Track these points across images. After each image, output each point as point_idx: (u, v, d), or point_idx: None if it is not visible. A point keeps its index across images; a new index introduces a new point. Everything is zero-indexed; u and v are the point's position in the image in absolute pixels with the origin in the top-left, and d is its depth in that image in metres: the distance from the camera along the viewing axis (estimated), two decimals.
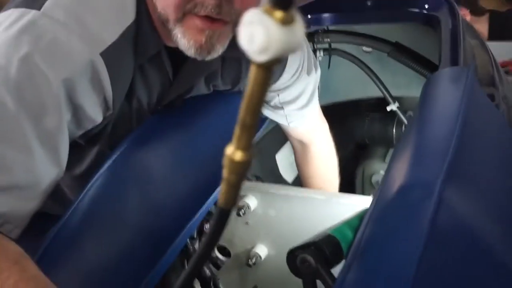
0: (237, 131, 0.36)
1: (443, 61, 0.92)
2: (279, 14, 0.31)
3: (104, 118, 0.83)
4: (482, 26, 2.10)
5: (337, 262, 0.71)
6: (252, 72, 0.33)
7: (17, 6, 0.75)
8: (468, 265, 0.61)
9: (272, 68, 0.33)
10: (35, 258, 0.68)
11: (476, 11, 2.13)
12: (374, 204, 0.77)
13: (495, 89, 0.95)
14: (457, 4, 2.13)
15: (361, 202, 0.92)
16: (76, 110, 0.77)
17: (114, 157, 0.86)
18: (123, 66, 0.81)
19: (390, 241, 0.66)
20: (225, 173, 0.38)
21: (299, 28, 0.31)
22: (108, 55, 0.76)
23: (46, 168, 0.72)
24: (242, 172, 0.37)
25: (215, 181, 0.90)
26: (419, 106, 0.89)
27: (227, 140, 1.00)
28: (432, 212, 0.65)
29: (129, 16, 0.79)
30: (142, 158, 0.91)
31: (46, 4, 0.74)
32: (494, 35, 2.06)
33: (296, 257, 0.70)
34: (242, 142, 0.36)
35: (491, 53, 1.11)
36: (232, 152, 0.37)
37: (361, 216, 0.85)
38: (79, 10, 0.75)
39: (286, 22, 0.31)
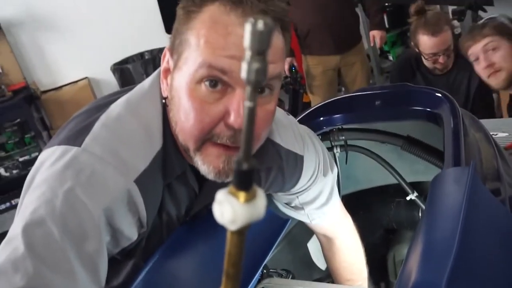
0: (223, 279, 0.43)
1: (446, 162, 0.98)
2: (242, 194, 0.39)
3: (139, 235, 0.90)
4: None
5: None
6: (228, 236, 0.41)
7: (60, 143, 0.85)
8: None
9: (245, 231, 0.40)
10: None
11: None
12: None
13: (500, 183, 0.99)
14: None
15: None
16: (115, 233, 0.85)
17: (147, 268, 0.94)
18: (154, 188, 0.89)
19: None
20: None
21: (261, 201, 0.39)
22: (141, 181, 0.84)
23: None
24: None
25: (244, 280, 0.97)
26: (427, 205, 0.95)
27: (250, 244, 1.08)
28: None
29: (157, 144, 0.88)
30: (173, 268, 0.98)
31: (86, 141, 0.83)
32: None
33: None
34: None
35: (495, 144, 1.16)
36: None
37: None
38: (114, 144, 0.84)
39: (248, 199, 0.39)
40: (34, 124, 4.11)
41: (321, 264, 1.72)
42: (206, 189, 0.98)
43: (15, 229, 0.77)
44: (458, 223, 0.82)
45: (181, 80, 0.83)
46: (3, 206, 4.01)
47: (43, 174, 0.82)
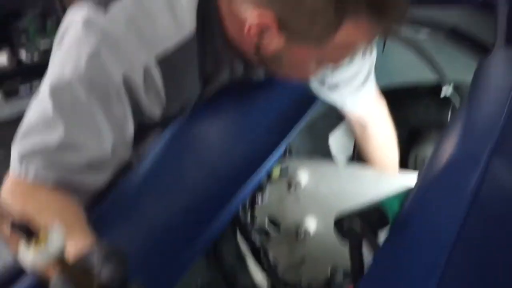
0: None
1: (498, 41, 0.91)
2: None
3: (162, 115, 0.90)
4: None
5: (382, 227, 0.73)
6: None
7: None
8: (510, 235, 0.63)
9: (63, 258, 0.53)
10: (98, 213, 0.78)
11: None
12: (422, 175, 0.80)
13: None
14: None
15: (412, 180, 0.94)
16: (135, 104, 0.85)
17: (175, 126, 0.93)
18: (181, 73, 0.87)
19: (433, 209, 0.68)
20: None
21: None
22: (162, 61, 0.83)
23: (116, 148, 0.82)
24: None
25: (268, 151, 0.95)
26: (471, 86, 0.90)
27: (278, 113, 1.04)
28: (476, 182, 0.67)
29: (185, 28, 0.85)
30: (202, 126, 0.97)
31: (113, 9, 0.82)
32: None
33: (343, 221, 0.73)
34: None
35: None
36: None
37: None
38: (139, 18, 0.82)
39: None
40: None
41: (341, 158, 1.70)
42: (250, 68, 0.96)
43: (45, 89, 0.80)
44: (507, 100, 0.77)
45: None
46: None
47: (71, 37, 0.82)
